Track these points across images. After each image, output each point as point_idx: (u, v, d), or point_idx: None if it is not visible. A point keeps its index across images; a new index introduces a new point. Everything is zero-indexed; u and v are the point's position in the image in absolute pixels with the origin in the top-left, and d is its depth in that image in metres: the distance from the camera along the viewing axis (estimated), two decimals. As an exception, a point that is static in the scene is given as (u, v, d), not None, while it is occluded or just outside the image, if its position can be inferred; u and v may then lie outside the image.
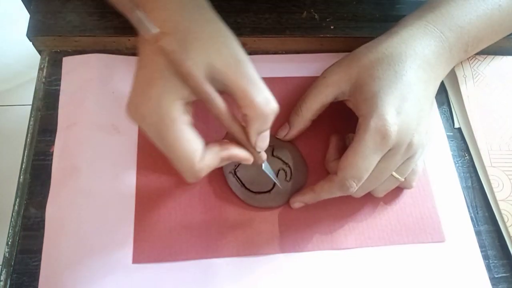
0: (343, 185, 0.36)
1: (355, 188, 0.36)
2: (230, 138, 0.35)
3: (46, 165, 0.40)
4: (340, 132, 0.43)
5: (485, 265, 0.41)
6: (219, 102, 0.32)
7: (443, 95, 0.49)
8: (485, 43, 0.44)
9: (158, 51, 0.29)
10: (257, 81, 0.32)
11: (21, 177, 0.40)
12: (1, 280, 0.36)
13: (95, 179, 0.39)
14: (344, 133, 0.42)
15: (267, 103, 0.32)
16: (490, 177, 0.44)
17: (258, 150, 0.35)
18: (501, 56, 0.50)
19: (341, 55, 0.42)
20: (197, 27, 0.32)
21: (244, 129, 0.33)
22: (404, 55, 0.38)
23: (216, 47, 0.31)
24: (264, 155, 0.36)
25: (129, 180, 0.40)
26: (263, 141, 0.34)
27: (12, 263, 0.37)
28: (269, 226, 0.40)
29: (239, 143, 0.34)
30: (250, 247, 0.39)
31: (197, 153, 0.32)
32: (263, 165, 0.37)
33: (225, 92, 0.32)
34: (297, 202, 0.40)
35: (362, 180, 0.36)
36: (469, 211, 0.43)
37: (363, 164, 0.35)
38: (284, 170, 0.41)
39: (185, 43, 0.30)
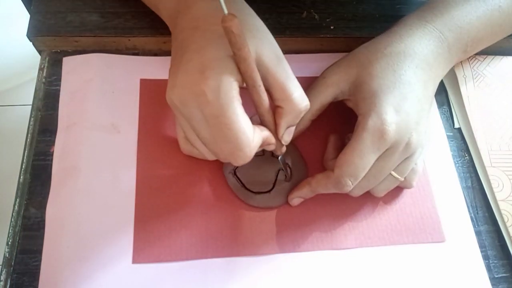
0: (339, 183, 0.36)
1: (350, 186, 0.36)
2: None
3: (46, 165, 0.40)
4: (340, 131, 0.43)
5: (485, 265, 0.41)
6: (263, 90, 0.33)
7: (443, 95, 0.49)
8: (484, 43, 0.44)
9: (224, 33, 0.29)
10: (294, 78, 0.34)
11: (21, 177, 0.40)
12: (1, 280, 0.36)
13: (95, 179, 0.39)
14: (344, 133, 0.42)
15: (303, 99, 0.34)
16: (490, 177, 0.44)
17: (284, 143, 0.36)
18: (501, 56, 0.50)
19: (341, 55, 0.42)
20: (242, 20, 0.33)
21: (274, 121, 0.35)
22: (403, 54, 0.38)
23: (263, 40, 0.33)
24: (284, 148, 0.38)
25: (129, 180, 0.40)
26: (289, 135, 0.36)
27: (12, 263, 0.37)
28: (269, 226, 0.40)
29: None
30: (250, 247, 0.39)
31: (252, 133, 0.32)
32: (279, 157, 0.39)
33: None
34: (295, 198, 0.40)
35: (358, 179, 0.36)
36: (469, 211, 0.43)
37: (360, 163, 0.35)
38: (283, 170, 0.41)
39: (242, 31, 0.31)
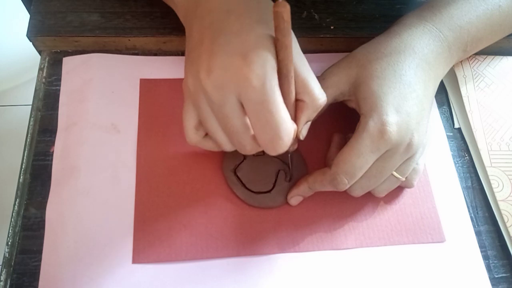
0: (334, 180, 0.36)
1: (346, 184, 0.36)
2: None
3: (46, 165, 0.40)
4: (340, 132, 0.43)
5: (485, 265, 0.41)
6: (293, 81, 0.33)
7: (443, 95, 0.49)
8: (484, 43, 0.44)
9: (273, 17, 0.29)
10: (314, 75, 0.34)
11: (21, 177, 0.40)
12: (1, 280, 0.36)
13: (95, 179, 0.40)
14: (345, 133, 0.42)
15: (323, 94, 0.34)
16: (490, 177, 0.44)
17: (301, 137, 0.36)
18: (501, 56, 0.50)
19: (341, 55, 0.42)
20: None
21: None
22: (403, 54, 0.38)
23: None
24: (296, 144, 0.38)
25: (129, 180, 0.40)
26: (306, 130, 0.36)
27: (12, 263, 0.37)
28: (269, 226, 0.40)
29: None
30: (250, 247, 0.39)
31: (291, 122, 0.32)
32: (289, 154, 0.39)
33: None
34: (294, 197, 0.40)
35: (355, 178, 0.36)
36: (469, 211, 0.43)
37: (357, 162, 0.35)
38: (284, 170, 0.41)
39: None
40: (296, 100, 0.34)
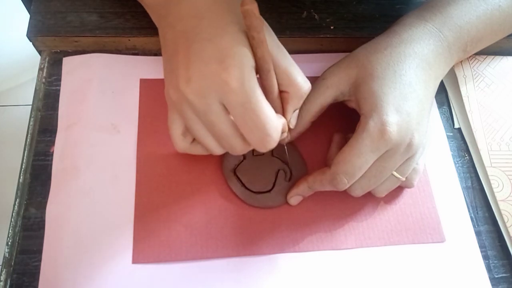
0: (333, 179, 0.36)
1: (345, 184, 0.36)
2: None
3: (46, 165, 0.40)
4: (340, 132, 0.43)
5: (485, 266, 0.41)
6: (274, 75, 0.33)
7: (443, 95, 0.49)
8: (484, 43, 0.44)
9: (243, 16, 0.29)
10: (294, 63, 0.34)
11: (21, 177, 0.40)
12: (1, 280, 0.36)
13: (95, 179, 0.39)
14: (345, 133, 0.42)
15: (306, 82, 0.35)
16: (490, 177, 0.44)
17: (291, 126, 0.37)
18: (501, 56, 0.50)
19: (341, 55, 0.42)
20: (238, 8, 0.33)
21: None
22: (403, 54, 0.38)
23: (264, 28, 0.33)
24: (289, 135, 0.38)
25: (129, 180, 0.40)
26: (295, 119, 0.37)
27: (12, 263, 0.37)
28: (269, 226, 0.40)
29: None
30: (250, 247, 0.39)
31: (276, 118, 0.32)
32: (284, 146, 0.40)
33: None
34: (294, 197, 0.40)
35: (355, 178, 0.36)
36: (469, 211, 0.43)
37: (357, 162, 0.35)
38: (283, 170, 0.41)
39: None
40: (281, 92, 0.34)
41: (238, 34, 0.31)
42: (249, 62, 0.31)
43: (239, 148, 0.34)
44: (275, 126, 0.32)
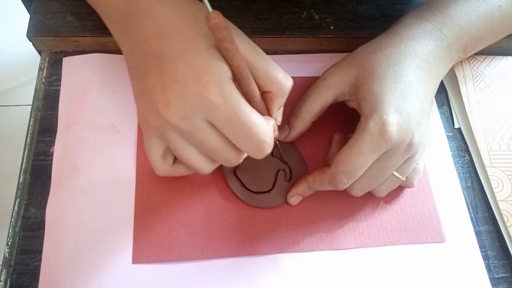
0: (333, 179, 0.36)
1: (345, 183, 0.36)
2: None
3: (46, 165, 0.40)
4: (340, 132, 0.43)
5: (485, 266, 0.41)
6: (252, 79, 0.32)
7: (443, 96, 0.49)
8: (484, 43, 0.44)
9: (210, 31, 0.28)
10: (272, 61, 0.33)
11: (21, 177, 0.40)
12: (1, 281, 0.36)
13: (95, 179, 0.39)
14: (345, 133, 0.42)
15: (287, 79, 0.34)
16: (490, 177, 0.44)
17: (278, 123, 0.37)
18: (501, 56, 0.50)
19: (341, 55, 0.42)
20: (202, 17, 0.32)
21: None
22: (403, 54, 0.38)
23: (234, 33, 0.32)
24: (276, 131, 0.37)
25: (129, 180, 0.40)
26: (281, 116, 0.37)
27: (12, 263, 0.37)
28: (269, 226, 0.40)
29: None
30: (250, 247, 0.39)
31: (265, 122, 0.32)
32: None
33: None
34: (294, 196, 0.40)
35: (354, 177, 0.36)
36: (469, 211, 0.43)
37: (357, 161, 0.35)
38: (283, 170, 0.41)
39: None
40: (264, 92, 0.34)
41: (207, 48, 0.30)
42: (227, 74, 0.30)
43: (234, 159, 0.33)
44: (267, 131, 0.31)
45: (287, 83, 0.34)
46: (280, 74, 0.33)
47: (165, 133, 0.32)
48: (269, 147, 0.32)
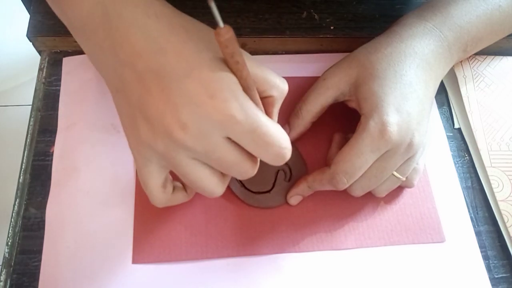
0: (333, 179, 0.36)
1: (345, 183, 0.36)
2: None
3: (46, 165, 0.40)
4: (340, 132, 0.43)
5: (485, 266, 0.41)
6: (255, 88, 0.32)
7: (443, 96, 0.49)
8: (484, 43, 0.44)
9: (220, 46, 0.27)
10: (266, 67, 0.32)
11: (21, 177, 0.40)
12: (1, 281, 0.36)
13: (95, 179, 0.40)
14: (345, 133, 0.42)
15: (283, 81, 0.33)
16: (490, 177, 0.44)
17: None
18: (501, 57, 0.50)
19: (341, 55, 0.42)
20: (193, 27, 0.31)
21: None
22: (403, 54, 0.38)
23: None
24: None
25: (129, 180, 0.40)
26: (276, 117, 0.35)
27: (12, 263, 0.37)
28: (269, 226, 0.40)
29: None
30: (250, 247, 0.39)
31: (281, 127, 0.31)
32: None
33: None
34: (294, 196, 0.40)
35: (354, 177, 0.36)
36: (469, 211, 0.43)
37: (357, 161, 0.35)
38: (283, 170, 0.41)
39: None
40: (265, 98, 0.32)
41: (212, 62, 0.28)
42: (237, 87, 0.28)
43: (250, 171, 0.32)
44: (286, 137, 0.31)
45: (285, 86, 0.33)
46: (278, 78, 0.33)
47: (174, 159, 0.29)
48: (289, 152, 0.31)
